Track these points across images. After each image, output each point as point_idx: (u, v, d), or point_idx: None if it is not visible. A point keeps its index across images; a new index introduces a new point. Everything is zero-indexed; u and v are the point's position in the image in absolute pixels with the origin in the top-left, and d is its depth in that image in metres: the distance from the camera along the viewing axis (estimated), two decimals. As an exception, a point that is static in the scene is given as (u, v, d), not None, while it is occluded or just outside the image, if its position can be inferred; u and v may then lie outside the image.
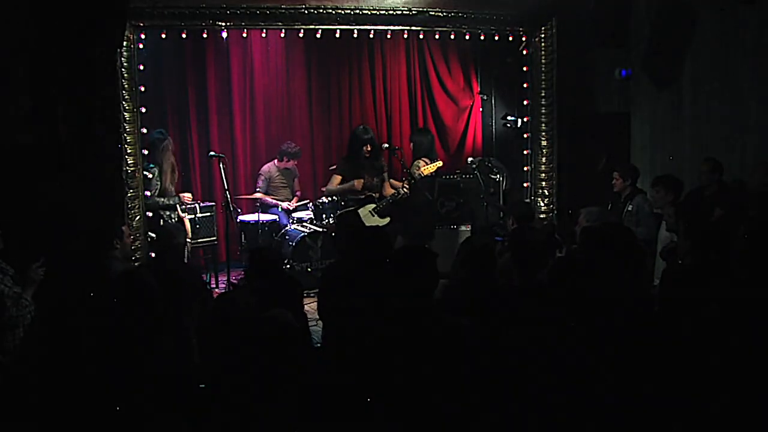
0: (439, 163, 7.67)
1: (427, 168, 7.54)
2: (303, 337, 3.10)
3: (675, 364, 3.07)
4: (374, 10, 7.30)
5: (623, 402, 2.94)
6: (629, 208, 6.64)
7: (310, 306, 5.87)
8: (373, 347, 2.94)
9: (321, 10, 7.13)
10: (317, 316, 4.95)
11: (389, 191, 7.55)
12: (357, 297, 3.43)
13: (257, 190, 8.43)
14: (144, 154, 6.99)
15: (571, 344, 3.09)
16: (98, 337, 3.18)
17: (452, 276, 4.27)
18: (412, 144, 8.00)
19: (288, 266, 7.70)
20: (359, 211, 7.43)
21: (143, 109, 6.92)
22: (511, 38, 8.04)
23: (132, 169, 6.77)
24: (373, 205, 7.40)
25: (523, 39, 8.01)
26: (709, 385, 2.96)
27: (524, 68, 8.11)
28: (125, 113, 6.69)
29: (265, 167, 8.57)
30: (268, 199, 8.40)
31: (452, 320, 3.18)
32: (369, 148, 7.40)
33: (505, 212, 7.19)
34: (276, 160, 8.53)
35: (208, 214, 7.97)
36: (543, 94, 7.96)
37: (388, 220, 7.32)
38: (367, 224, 7.24)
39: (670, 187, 6.27)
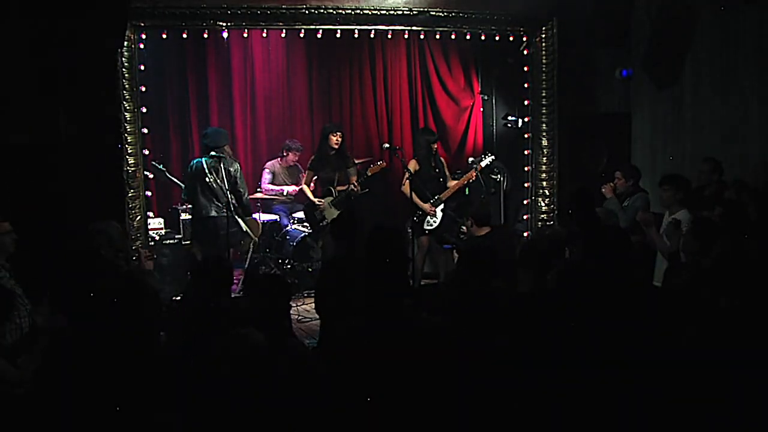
0: (383, 163, 7.80)
1: (372, 168, 7.66)
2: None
3: (677, 366, 3.07)
4: (375, 10, 7.30)
5: (623, 405, 2.94)
6: (626, 204, 6.62)
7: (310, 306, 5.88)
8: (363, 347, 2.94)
9: (322, 10, 7.13)
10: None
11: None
12: (353, 295, 3.44)
13: (259, 188, 8.42)
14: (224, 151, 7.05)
15: (568, 349, 3.09)
16: (98, 338, 3.18)
17: (447, 276, 4.28)
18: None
19: (289, 266, 7.70)
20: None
21: (144, 109, 6.93)
22: (511, 38, 8.04)
23: (132, 169, 6.78)
24: (331, 198, 7.59)
25: (524, 39, 8.00)
26: (710, 387, 2.96)
27: (525, 68, 8.10)
28: (125, 113, 6.70)
29: (269, 163, 8.59)
30: (273, 187, 8.40)
31: (430, 320, 3.18)
32: (335, 139, 7.47)
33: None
34: (279, 159, 8.53)
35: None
36: (544, 94, 7.96)
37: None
38: (327, 216, 7.47)
39: (680, 187, 6.16)
